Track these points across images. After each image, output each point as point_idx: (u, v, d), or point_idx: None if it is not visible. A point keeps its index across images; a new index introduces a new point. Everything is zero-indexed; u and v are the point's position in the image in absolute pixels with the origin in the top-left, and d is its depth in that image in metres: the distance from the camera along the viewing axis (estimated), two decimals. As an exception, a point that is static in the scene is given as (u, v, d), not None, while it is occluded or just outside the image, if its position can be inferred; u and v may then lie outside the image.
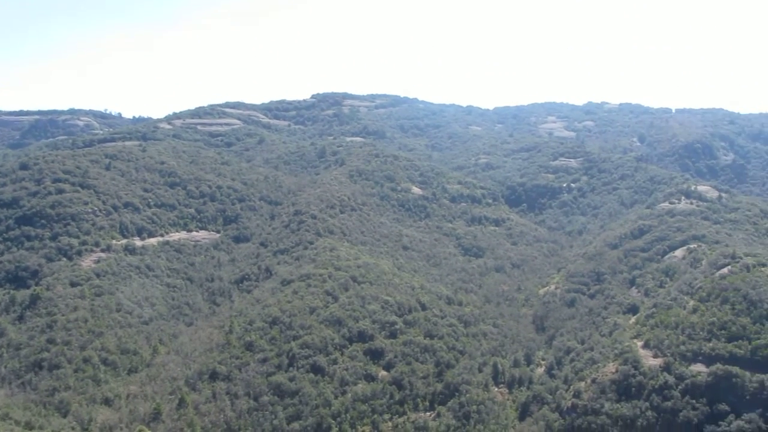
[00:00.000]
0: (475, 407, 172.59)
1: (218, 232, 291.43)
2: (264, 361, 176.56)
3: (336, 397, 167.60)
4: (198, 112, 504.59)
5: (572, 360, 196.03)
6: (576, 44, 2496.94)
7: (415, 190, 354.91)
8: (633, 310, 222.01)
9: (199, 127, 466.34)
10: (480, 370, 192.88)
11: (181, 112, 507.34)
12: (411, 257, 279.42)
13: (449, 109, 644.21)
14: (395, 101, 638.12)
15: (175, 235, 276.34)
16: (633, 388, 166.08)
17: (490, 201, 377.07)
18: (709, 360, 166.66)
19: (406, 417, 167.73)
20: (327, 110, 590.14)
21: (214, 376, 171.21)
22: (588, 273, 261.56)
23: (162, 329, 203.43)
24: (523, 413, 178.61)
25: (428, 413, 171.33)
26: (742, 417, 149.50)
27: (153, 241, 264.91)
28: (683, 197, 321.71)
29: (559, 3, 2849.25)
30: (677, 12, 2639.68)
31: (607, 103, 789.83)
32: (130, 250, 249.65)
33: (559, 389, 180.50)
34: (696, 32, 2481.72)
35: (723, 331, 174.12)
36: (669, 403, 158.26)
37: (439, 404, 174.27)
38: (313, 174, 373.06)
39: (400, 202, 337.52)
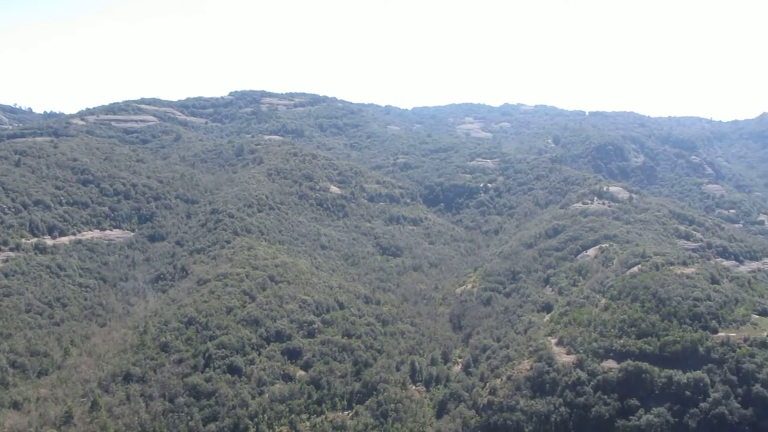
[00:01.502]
0: (392, 406, 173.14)
1: (133, 230, 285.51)
2: (180, 361, 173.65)
3: (253, 398, 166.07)
4: (112, 108, 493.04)
5: (488, 358, 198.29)
6: (492, 46, 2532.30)
7: (334, 189, 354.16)
8: (547, 308, 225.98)
9: (113, 123, 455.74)
10: (398, 369, 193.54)
11: (94, 108, 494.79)
12: (329, 256, 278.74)
13: (368, 109, 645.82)
14: (314, 100, 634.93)
15: (88, 234, 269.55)
16: (547, 385, 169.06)
17: (408, 200, 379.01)
18: (620, 356, 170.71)
19: (324, 416, 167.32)
20: (245, 108, 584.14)
21: (128, 377, 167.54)
22: (504, 272, 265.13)
23: (74, 330, 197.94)
24: (440, 411, 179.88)
25: (346, 412, 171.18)
26: (651, 411, 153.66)
27: (65, 240, 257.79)
28: (596, 198, 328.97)
29: (476, 6, 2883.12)
30: (589, 19, 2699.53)
31: (523, 104, 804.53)
32: (40, 249, 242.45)
33: (476, 387, 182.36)
34: (607, 38, 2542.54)
35: (633, 329, 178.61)
36: (582, 399, 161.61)
37: (357, 403, 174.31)
38: (231, 172, 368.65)
39: (319, 201, 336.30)
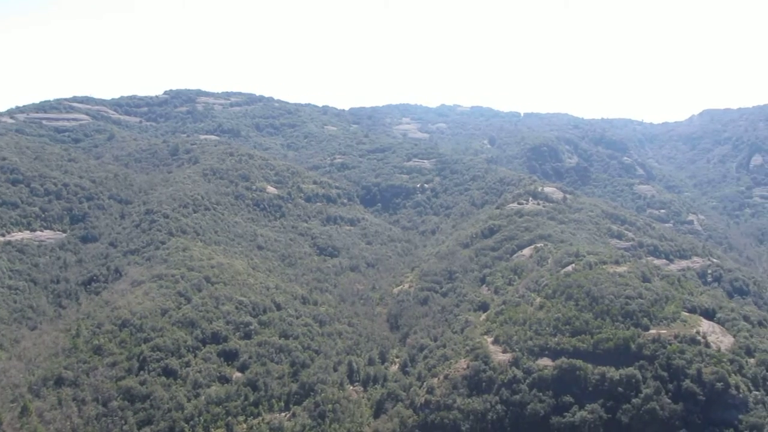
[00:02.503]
0: (330, 406, 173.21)
1: (64, 231, 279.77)
2: (113, 365, 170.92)
3: (189, 400, 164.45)
4: (43, 107, 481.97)
5: (425, 357, 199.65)
6: (428, 47, 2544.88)
7: (271, 189, 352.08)
8: (483, 307, 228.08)
9: (44, 122, 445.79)
10: (335, 369, 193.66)
11: (24, 106, 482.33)
12: (266, 257, 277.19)
13: (305, 109, 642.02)
14: (251, 99, 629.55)
15: (18, 235, 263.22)
16: (483, 383, 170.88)
17: (346, 201, 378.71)
18: (554, 354, 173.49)
19: (261, 418, 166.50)
20: (180, 107, 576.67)
21: (59, 381, 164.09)
22: (441, 272, 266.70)
23: (2, 334, 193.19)
24: (378, 410, 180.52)
25: (283, 414, 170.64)
26: (585, 408, 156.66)
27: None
28: (531, 198, 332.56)
29: (410, 7, 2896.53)
30: (523, 21, 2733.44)
31: (459, 105, 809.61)
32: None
33: (413, 386, 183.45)
34: (541, 40, 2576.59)
35: (567, 327, 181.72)
36: (517, 397, 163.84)
37: (295, 404, 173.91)
38: (166, 172, 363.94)
39: (255, 201, 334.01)
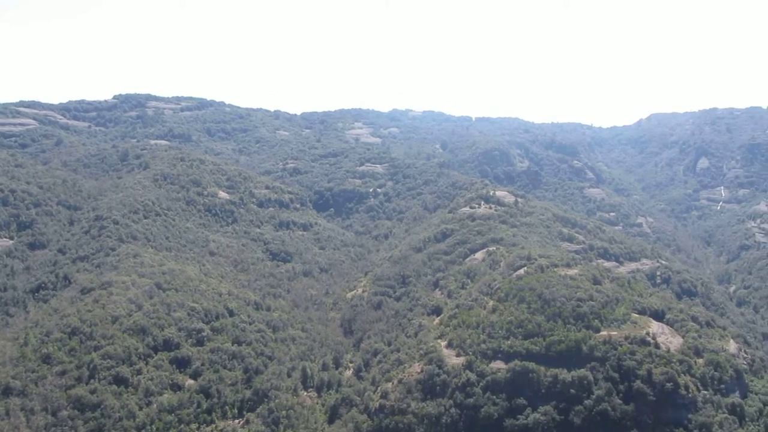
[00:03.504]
0: (284, 412, 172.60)
1: (11, 238, 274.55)
2: (63, 373, 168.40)
3: (141, 409, 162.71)
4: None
5: (380, 362, 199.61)
6: (379, 52, 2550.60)
7: (222, 194, 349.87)
8: (437, 311, 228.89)
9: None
10: (289, 375, 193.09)
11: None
12: (218, 263, 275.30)
13: (257, 114, 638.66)
14: (202, 104, 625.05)
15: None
16: (438, 387, 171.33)
17: (298, 206, 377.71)
18: (507, 357, 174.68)
19: (214, 426, 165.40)
20: (130, 112, 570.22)
21: (7, 391, 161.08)
22: (394, 276, 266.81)
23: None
24: (333, 416, 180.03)
25: (237, 420, 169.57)
26: (538, 410, 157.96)
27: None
28: (483, 202, 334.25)
29: (361, 11, 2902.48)
30: (473, 26, 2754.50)
31: (411, 110, 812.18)
32: None
33: (367, 391, 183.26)
34: (492, 45, 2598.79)
35: (520, 329, 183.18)
36: (471, 400, 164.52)
37: (248, 411, 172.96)
38: (116, 178, 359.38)
39: (207, 206, 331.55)
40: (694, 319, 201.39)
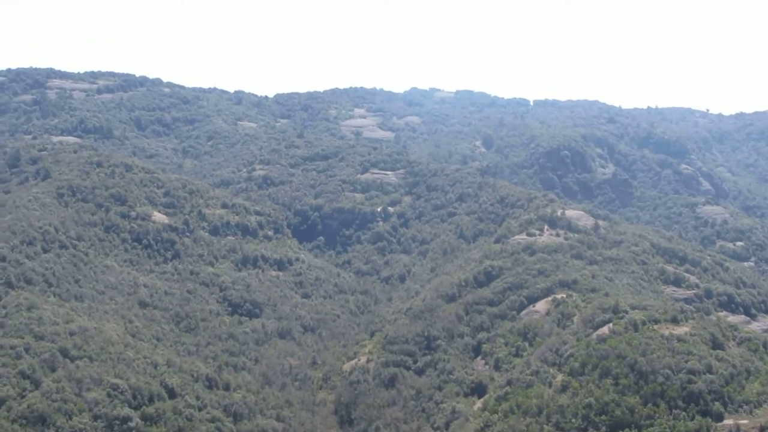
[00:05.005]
0: None
1: None
2: None
3: None
4: None
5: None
6: (391, 8, 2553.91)
7: (159, 216, 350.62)
8: (479, 389, 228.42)
9: None
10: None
11: None
12: (152, 318, 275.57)
13: (210, 96, 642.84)
14: (128, 83, 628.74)
15: None
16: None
17: (271, 233, 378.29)
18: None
19: None
20: (23, 95, 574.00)
21: None
22: (414, 338, 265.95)
23: None
24: None
25: None
26: None
27: None
28: (546, 226, 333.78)
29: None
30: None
31: (438, 90, 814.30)
32: None
33: None
34: (556, 4, 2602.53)
35: (604, 417, 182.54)
36: None
37: None
38: (1, 192, 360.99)
39: (136, 235, 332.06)
40: None
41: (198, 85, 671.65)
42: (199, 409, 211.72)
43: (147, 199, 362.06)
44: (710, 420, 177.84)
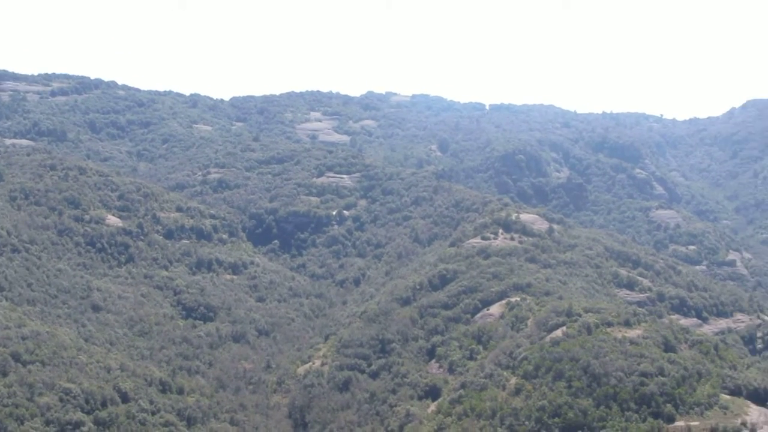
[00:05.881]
0: None
1: None
2: None
3: None
4: None
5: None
6: (347, 11, 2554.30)
7: (112, 219, 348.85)
8: (433, 392, 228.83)
9: None
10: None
11: None
12: (105, 322, 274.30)
13: (165, 99, 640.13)
14: (83, 85, 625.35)
15: None
16: None
17: (226, 236, 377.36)
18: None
19: None
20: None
21: None
22: (369, 341, 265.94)
23: None
24: None
25: None
26: None
27: None
28: (501, 230, 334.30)
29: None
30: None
31: (394, 94, 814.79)
32: None
33: None
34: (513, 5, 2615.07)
35: (557, 419, 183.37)
36: None
37: None
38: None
39: (89, 238, 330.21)
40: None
41: (153, 88, 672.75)
42: (153, 414, 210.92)
43: (101, 202, 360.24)
44: (662, 422, 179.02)
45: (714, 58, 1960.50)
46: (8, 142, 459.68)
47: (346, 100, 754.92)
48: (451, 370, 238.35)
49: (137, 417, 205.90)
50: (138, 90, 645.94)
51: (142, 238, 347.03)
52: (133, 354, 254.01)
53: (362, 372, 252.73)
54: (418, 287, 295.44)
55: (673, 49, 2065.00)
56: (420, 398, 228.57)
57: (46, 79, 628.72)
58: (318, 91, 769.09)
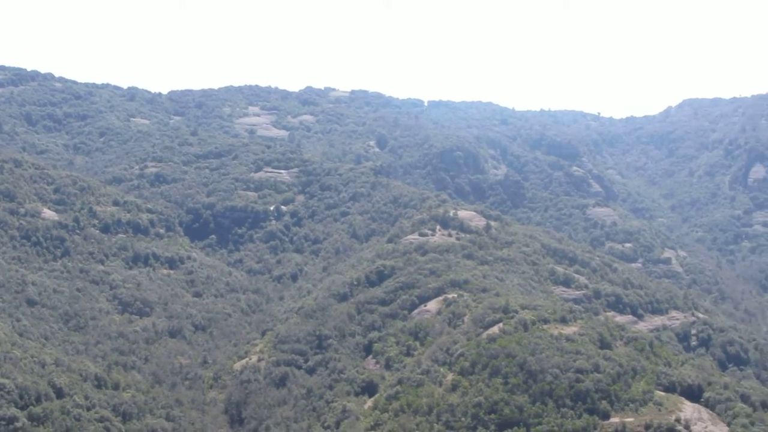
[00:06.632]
0: None
1: None
2: None
3: None
4: None
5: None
6: (287, 5, 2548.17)
7: (48, 213, 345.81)
8: (370, 389, 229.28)
9: None
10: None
11: None
12: (40, 316, 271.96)
13: (102, 92, 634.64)
14: (18, 77, 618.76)
15: None
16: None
17: (162, 231, 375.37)
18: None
19: None
20: None
21: None
22: (306, 337, 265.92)
23: None
24: None
25: None
26: None
27: None
28: (439, 226, 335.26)
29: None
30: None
31: (333, 89, 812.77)
32: None
33: None
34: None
35: (493, 415, 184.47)
36: None
37: None
38: None
39: (24, 231, 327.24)
40: (745, 398, 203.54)
41: (91, 81, 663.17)
42: (88, 409, 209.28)
43: (36, 195, 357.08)
44: (597, 418, 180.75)
45: (651, 57, 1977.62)
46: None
47: (285, 95, 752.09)
48: (388, 366, 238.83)
49: (72, 412, 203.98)
50: (75, 82, 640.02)
51: (78, 232, 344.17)
52: (69, 349, 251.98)
53: (299, 368, 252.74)
54: (355, 283, 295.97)
55: (610, 48, 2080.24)
56: (357, 394, 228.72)
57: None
58: (257, 85, 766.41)
